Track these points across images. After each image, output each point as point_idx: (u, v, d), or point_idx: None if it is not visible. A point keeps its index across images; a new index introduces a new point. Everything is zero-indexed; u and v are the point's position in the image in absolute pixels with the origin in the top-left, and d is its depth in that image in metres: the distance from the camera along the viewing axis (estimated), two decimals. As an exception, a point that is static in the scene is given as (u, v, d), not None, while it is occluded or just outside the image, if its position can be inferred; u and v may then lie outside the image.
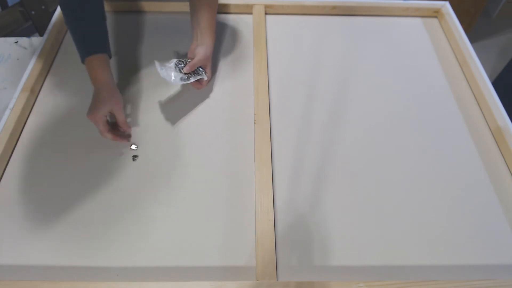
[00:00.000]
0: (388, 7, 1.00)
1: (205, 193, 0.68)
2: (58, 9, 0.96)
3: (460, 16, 0.99)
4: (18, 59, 0.94)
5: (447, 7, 1.00)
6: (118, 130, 0.74)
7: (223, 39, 0.93)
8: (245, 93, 0.82)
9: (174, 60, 0.76)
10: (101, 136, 0.71)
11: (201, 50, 0.76)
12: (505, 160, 0.73)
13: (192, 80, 0.77)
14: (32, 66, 0.82)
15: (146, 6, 0.98)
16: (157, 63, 0.74)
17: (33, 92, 0.79)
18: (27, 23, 1.44)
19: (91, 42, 0.72)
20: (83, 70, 0.86)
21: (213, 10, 0.79)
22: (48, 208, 0.65)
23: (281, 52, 0.91)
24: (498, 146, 0.76)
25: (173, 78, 0.74)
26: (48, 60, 0.86)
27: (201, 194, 0.67)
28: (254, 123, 0.75)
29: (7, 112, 0.74)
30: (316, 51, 0.92)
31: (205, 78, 0.80)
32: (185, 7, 0.98)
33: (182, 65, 0.76)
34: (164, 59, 0.88)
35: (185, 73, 0.76)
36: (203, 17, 0.77)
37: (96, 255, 0.60)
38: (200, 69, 0.79)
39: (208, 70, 0.80)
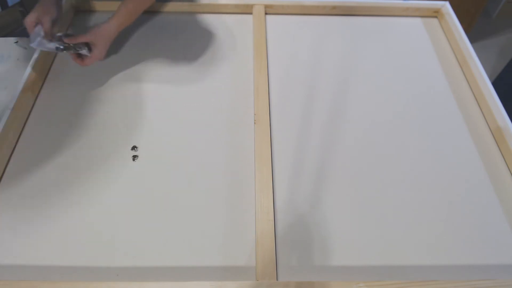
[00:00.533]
0: (388, 7, 1.00)
1: (205, 193, 0.68)
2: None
3: (460, 16, 0.99)
4: (18, 59, 0.94)
5: (447, 7, 1.00)
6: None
7: (223, 39, 0.93)
8: (245, 93, 0.82)
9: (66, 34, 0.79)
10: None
11: (96, 27, 0.78)
12: (505, 160, 0.73)
13: (70, 51, 0.78)
14: (32, 66, 0.82)
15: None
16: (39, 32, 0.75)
17: (33, 92, 0.79)
18: (27, 23, 1.44)
19: None
20: (83, 70, 0.86)
21: (137, 5, 0.81)
22: (48, 208, 0.65)
23: (281, 52, 0.91)
24: (498, 146, 0.76)
25: (35, 42, 0.74)
26: (48, 60, 0.86)
27: (201, 194, 0.67)
28: (254, 123, 0.75)
29: (7, 112, 0.74)
30: (316, 51, 0.92)
31: (88, 55, 0.80)
32: (183, 7, 0.98)
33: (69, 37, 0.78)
34: (162, 58, 0.88)
35: (65, 44, 0.77)
36: (124, 5, 0.80)
37: (96, 255, 0.60)
38: (83, 46, 0.79)
39: (98, 49, 0.80)
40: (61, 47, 0.77)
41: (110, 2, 0.98)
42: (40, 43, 0.75)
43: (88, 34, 0.78)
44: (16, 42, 0.98)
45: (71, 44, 0.78)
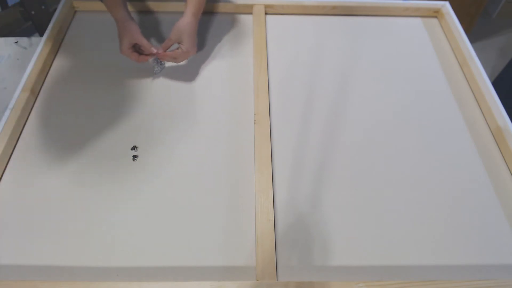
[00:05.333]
0: (388, 7, 1.00)
1: (205, 193, 0.68)
2: (58, 9, 0.96)
3: (460, 16, 0.99)
4: (18, 59, 0.94)
5: (447, 7, 1.00)
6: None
7: (223, 39, 0.93)
8: (245, 93, 0.82)
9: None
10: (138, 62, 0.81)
11: (175, 25, 0.78)
12: (505, 160, 0.73)
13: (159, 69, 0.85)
14: (32, 66, 0.82)
15: (147, 6, 0.98)
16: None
17: (33, 92, 0.79)
18: (27, 23, 1.44)
19: None
20: (83, 70, 0.86)
21: None
22: (47, 208, 0.65)
23: (281, 52, 0.91)
24: (498, 146, 0.76)
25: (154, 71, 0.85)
26: (48, 60, 0.86)
27: (201, 194, 0.67)
28: (254, 123, 0.75)
29: (7, 112, 0.74)
30: (316, 51, 0.92)
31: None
32: (183, 7, 0.98)
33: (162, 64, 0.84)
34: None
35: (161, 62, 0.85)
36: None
37: (96, 255, 0.60)
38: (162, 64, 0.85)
39: (185, 45, 0.78)
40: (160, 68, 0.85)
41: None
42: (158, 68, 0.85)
43: (172, 34, 0.78)
44: (16, 42, 0.98)
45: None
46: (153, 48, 0.79)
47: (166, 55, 0.80)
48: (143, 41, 0.78)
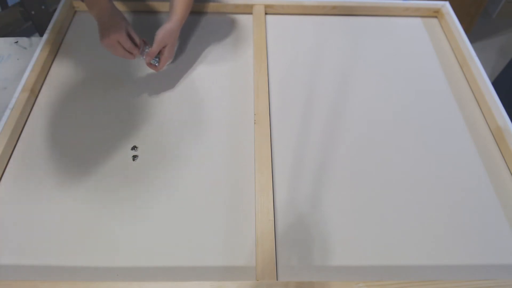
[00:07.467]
0: (388, 7, 1.00)
1: (205, 193, 0.68)
2: (58, 9, 0.96)
3: (460, 16, 0.99)
4: (18, 59, 0.95)
5: (447, 7, 1.00)
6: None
7: (223, 39, 0.93)
8: (245, 93, 0.82)
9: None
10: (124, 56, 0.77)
11: (160, 30, 0.76)
12: (505, 160, 0.73)
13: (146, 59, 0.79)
14: (32, 66, 0.82)
15: (148, 6, 0.98)
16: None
17: (33, 92, 0.79)
18: (27, 23, 1.44)
19: None
20: (83, 70, 0.86)
21: None
22: (47, 208, 0.65)
23: (281, 52, 0.91)
24: (498, 146, 0.76)
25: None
26: (48, 60, 0.86)
27: (201, 194, 0.67)
28: (254, 123, 0.75)
29: (7, 112, 0.74)
30: (316, 51, 0.92)
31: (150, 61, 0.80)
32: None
33: (147, 50, 0.79)
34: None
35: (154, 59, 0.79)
36: (177, 1, 0.78)
37: (96, 255, 0.60)
38: (146, 50, 0.79)
39: (168, 50, 0.78)
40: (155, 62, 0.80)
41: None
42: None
43: (159, 38, 0.75)
44: (16, 42, 0.98)
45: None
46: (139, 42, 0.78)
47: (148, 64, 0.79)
48: (133, 32, 0.77)
